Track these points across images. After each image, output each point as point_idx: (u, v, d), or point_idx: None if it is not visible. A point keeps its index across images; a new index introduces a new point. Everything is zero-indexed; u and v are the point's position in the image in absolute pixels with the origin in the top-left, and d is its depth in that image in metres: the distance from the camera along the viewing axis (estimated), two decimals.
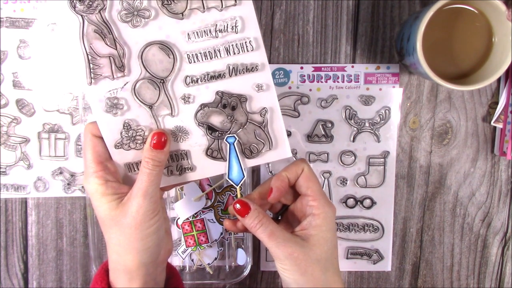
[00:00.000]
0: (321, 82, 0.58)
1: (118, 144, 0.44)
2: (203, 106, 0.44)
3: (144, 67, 0.43)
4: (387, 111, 0.58)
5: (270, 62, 0.58)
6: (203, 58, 0.43)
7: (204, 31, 0.42)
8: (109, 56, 0.42)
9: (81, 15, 0.41)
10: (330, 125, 0.59)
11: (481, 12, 0.51)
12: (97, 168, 0.42)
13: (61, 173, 0.59)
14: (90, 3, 0.41)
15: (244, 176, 0.44)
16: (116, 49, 0.42)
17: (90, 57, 0.42)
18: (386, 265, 0.61)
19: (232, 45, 0.43)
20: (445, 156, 0.60)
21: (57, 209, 0.60)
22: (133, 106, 0.43)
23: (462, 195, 0.60)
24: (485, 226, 0.61)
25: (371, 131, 0.59)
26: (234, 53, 0.43)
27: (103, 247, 0.58)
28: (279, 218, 0.49)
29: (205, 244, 0.57)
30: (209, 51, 0.43)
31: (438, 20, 0.49)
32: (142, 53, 0.43)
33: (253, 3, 0.41)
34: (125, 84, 0.43)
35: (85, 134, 0.44)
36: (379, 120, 0.58)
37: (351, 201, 0.60)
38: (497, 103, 0.58)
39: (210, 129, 0.44)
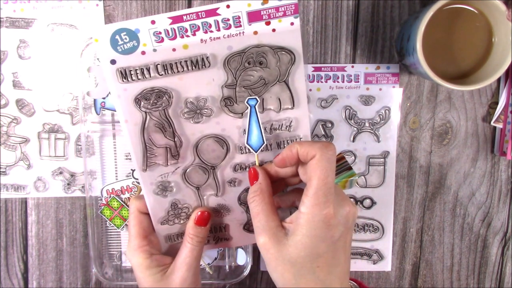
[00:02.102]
0: (321, 82, 0.58)
1: (164, 221, 0.47)
2: (248, 189, 0.46)
3: (198, 155, 0.45)
4: (387, 111, 0.58)
5: None
6: None
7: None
8: (166, 147, 0.44)
9: (145, 112, 0.42)
10: (330, 125, 0.59)
11: (481, 12, 0.51)
12: (142, 243, 0.45)
13: (61, 173, 0.59)
14: (155, 101, 0.42)
15: (263, 142, 0.44)
16: (174, 140, 0.44)
17: (148, 147, 0.44)
18: (386, 265, 0.61)
19: (282, 141, 0.45)
20: (445, 156, 0.60)
21: (57, 209, 0.60)
22: (181, 188, 0.46)
23: (462, 195, 0.60)
24: (485, 226, 0.61)
25: (371, 131, 0.59)
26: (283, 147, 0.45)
27: (103, 247, 0.58)
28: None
29: None
30: None
31: (438, 20, 0.49)
32: (197, 143, 0.44)
33: None
34: (176, 169, 0.45)
35: (131, 210, 0.47)
36: (379, 120, 0.58)
37: None
38: (497, 103, 0.58)
39: None
